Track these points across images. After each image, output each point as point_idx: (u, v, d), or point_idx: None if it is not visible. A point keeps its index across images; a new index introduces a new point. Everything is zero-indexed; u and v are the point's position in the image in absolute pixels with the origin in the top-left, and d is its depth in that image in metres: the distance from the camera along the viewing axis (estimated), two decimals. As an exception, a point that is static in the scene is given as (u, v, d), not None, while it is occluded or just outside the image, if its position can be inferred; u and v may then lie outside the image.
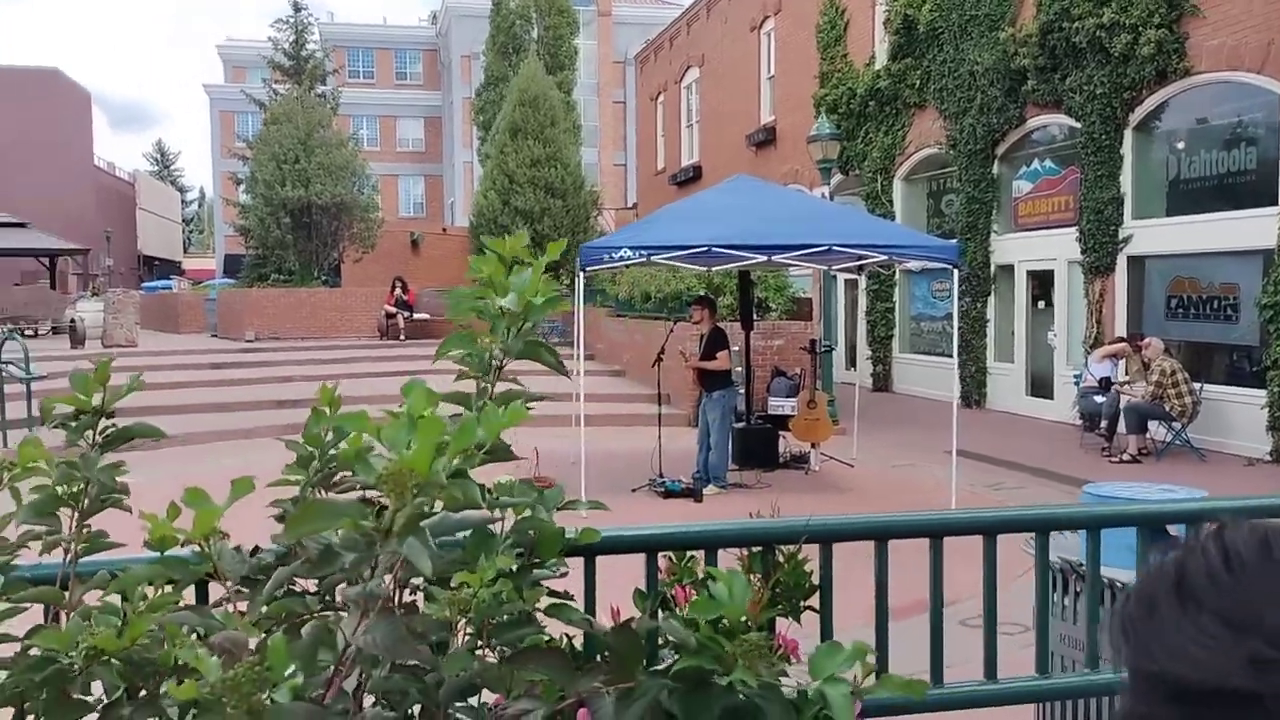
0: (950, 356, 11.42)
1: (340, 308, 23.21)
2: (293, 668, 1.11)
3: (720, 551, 2.50)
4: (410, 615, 1.47)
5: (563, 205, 26.03)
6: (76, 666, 1.39)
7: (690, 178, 26.50)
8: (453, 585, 1.39)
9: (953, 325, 11.53)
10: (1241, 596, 0.60)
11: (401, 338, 22.05)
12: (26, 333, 20.69)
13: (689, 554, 2.43)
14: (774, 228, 9.25)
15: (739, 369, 11.15)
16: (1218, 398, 11.24)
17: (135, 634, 1.34)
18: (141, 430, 1.73)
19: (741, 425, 11.01)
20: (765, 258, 9.60)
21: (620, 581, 2.35)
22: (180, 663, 1.32)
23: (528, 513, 1.70)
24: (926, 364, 16.91)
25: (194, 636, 1.43)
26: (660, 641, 1.64)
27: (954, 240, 11.82)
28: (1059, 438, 12.47)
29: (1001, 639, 2.75)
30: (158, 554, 1.47)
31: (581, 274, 9.21)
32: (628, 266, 10.97)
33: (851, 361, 18.53)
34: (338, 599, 1.46)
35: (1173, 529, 3.01)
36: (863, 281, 17.57)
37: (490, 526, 1.51)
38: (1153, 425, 11.07)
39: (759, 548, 2.44)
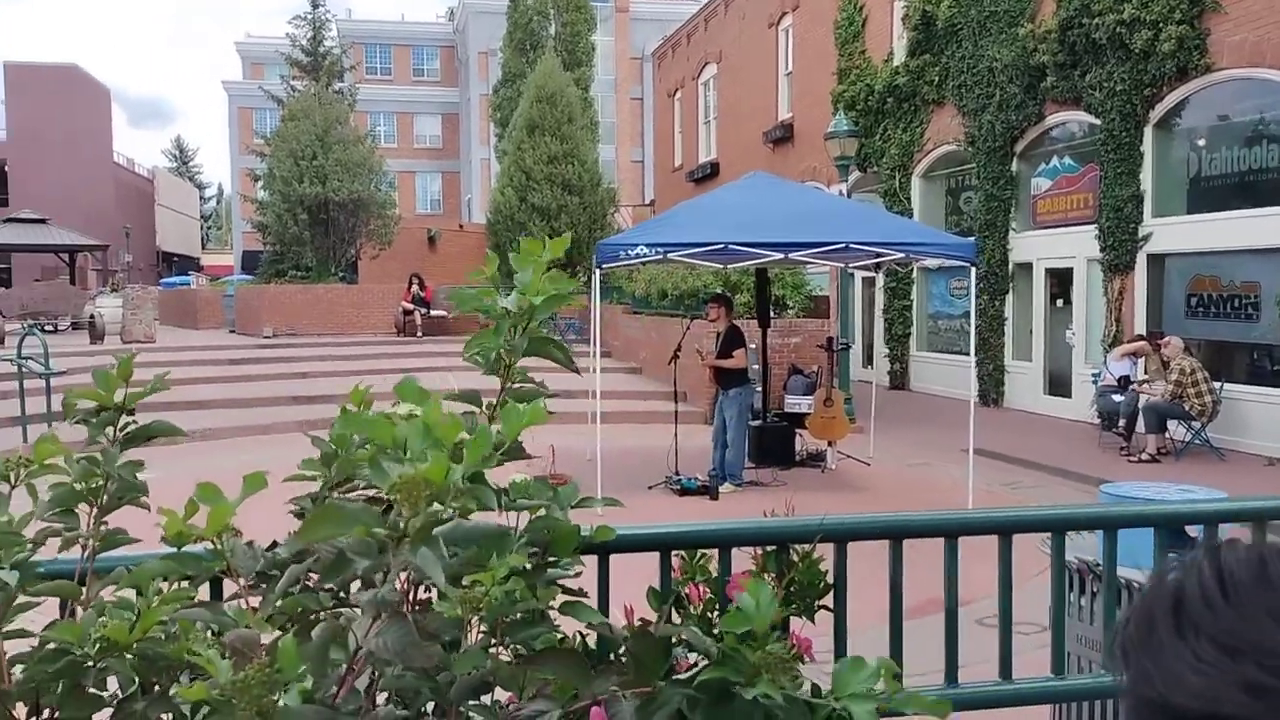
0: (968, 355, 11.37)
1: (357, 304, 23.29)
2: (303, 669, 1.11)
3: (735, 550, 2.50)
4: (423, 613, 1.47)
5: (580, 202, 26.03)
6: (90, 660, 1.40)
7: (707, 174, 26.47)
8: (465, 583, 1.39)
9: (970, 323, 11.47)
10: (1236, 621, 0.59)
11: (418, 334, 22.10)
12: (46, 328, 20.87)
13: (702, 552, 2.42)
14: (791, 225, 9.23)
15: (756, 367, 11.13)
16: (1238, 397, 11.14)
17: (147, 626, 1.35)
18: (162, 428, 1.74)
19: (758, 423, 10.99)
20: (782, 255, 9.58)
21: (634, 579, 2.35)
22: (193, 658, 1.33)
23: (542, 512, 1.70)
24: (944, 362, 16.84)
25: (207, 633, 1.44)
26: (674, 640, 1.64)
27: (972, 238, 11.75)
28: (1077, 437, 12.40)
29: (1017, 639, 2.74)
30: (174, 550, 1.48)
31: (598, 271, 9.21)
32: (644, 264, 10.97)
33: (869, 359, 18.47)
34: (352, 594, 1.47)
35: (1191, 530, 2.99)
36: (880, 279, 17.50)
37: (503, 525, 1.51)
38: (1172, 424, 10.99)
39: (774, 547, 2.43)
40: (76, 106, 44.48)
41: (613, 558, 2.44)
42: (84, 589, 1.57)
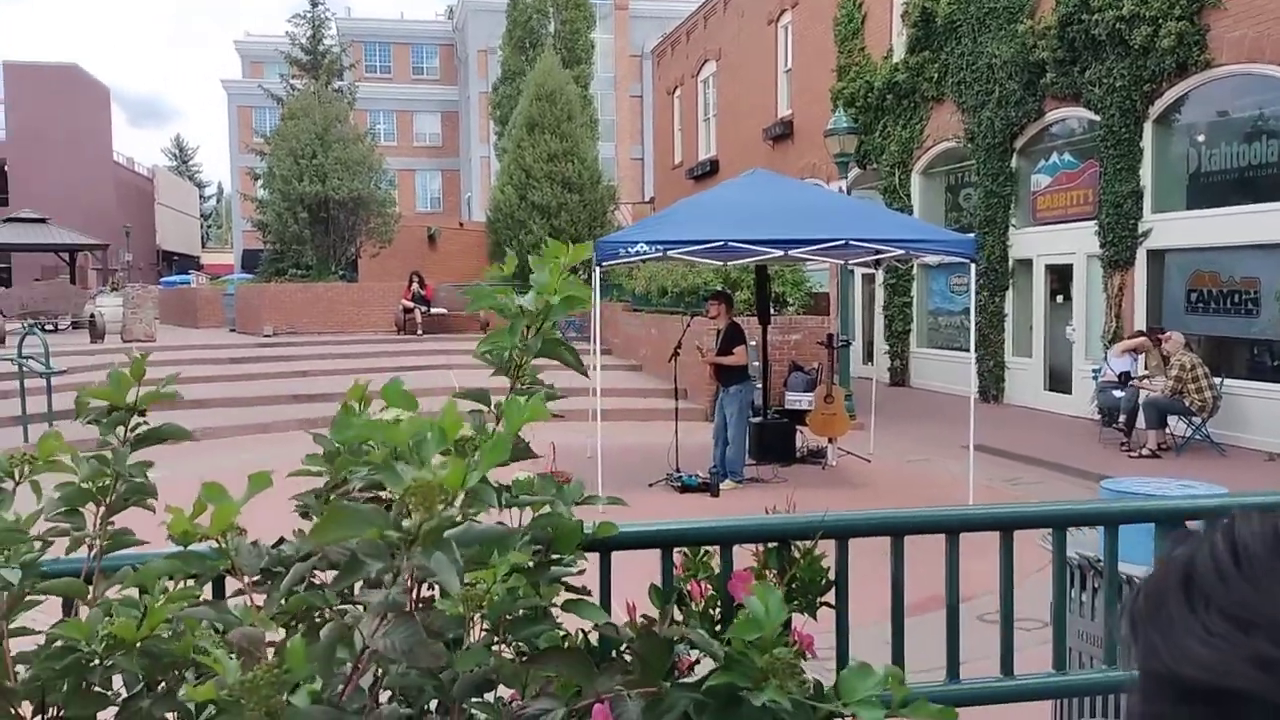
0: (968, 351, 11.37)
1: (357, 302, 23.29)
2: (311, 669, 1.11)
3: (736, 547, 2.51)
4: (427, 612, 1.48)
5: (580, 200, 26.03)
6: (97, 657, 1.40)
7: (707, 172, 26.46)
8: (467, 581, 1.40)
9: (970, 320, 11.48)
10: (1249, 593, 0.58)
11: (419, 332, 22.10)
12: (47, 328, 20.87)
13: (703, 549, 2.43)
14: (791, 222, 9.23)
15: (756, 364, 11.14)
16: (1238, 392, 11.15)
17: (154, 623, 1.35)
18: (173, 431, 1.74)
19: (758, 420, 11.00)
20: (782, 252, 9.58)
21: (636, 576, 2.36)
22: (200, 657, 1.33)
23: (546, 509, 1.71)
24: (944, 359, 16.84)
25: (212, 631, 1.45)
26: (678, 638, 1.65)
27: (972, 234, 11.75)
28: (1077, 433, 12.40)
29: (1019, 635, 2.74)
30: (179, 549, 1.49)
31: (598, 269, 9.21)
32: (644, 261, 10.97)
33: (869, 356, 18.47)
34: (357, 593, 1.48)
35: (1192, 525, 2.99)
36: (880, 276, 17.49)
37: (508, 526, 1.52)
38: (1172, 420, 10.99)
39: (775, 543, 2.44)
40: (76, 106, 44.46)
41: (614, 555, 2.44)
42: (90, 588, 1.58)
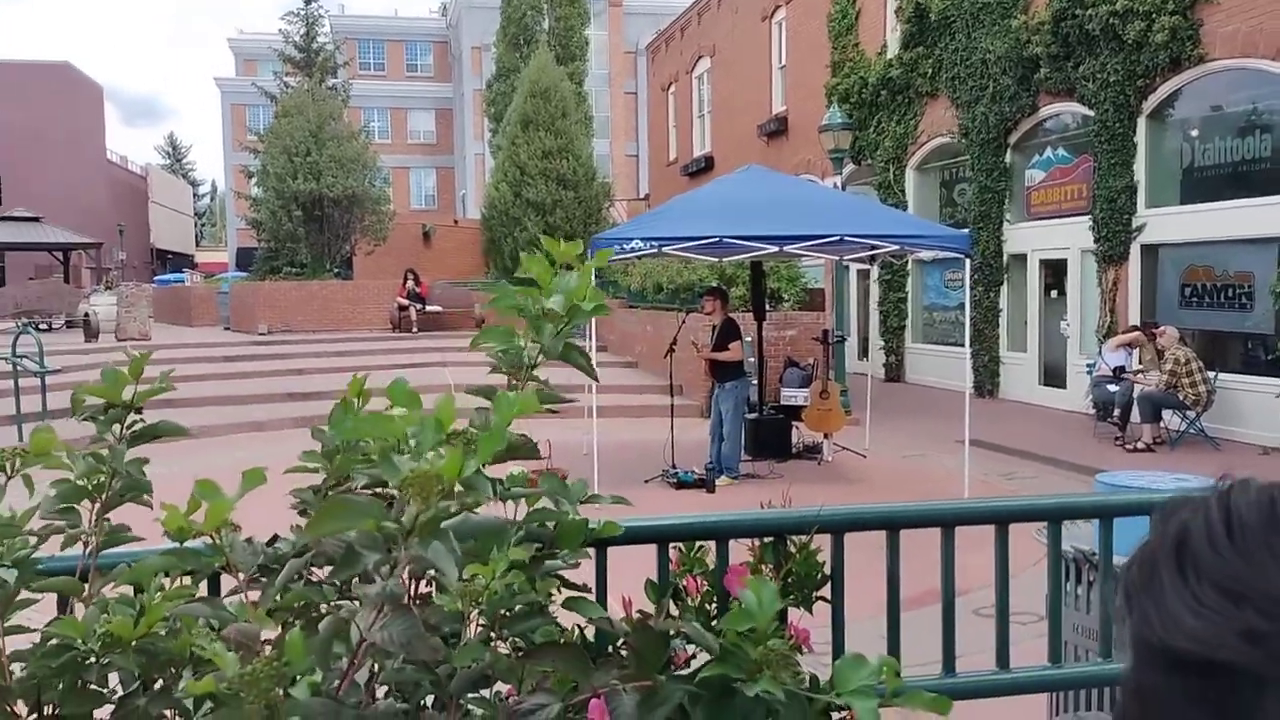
0: (963, 346, 11.39)
1: (352, 300, 23.26)
2: (309, 663, 1.11)
3: (732, 542, 2.51)
4: (424, 607, 1.48)
5: (574, 197, 26.02)
6: (93, 655, 1.40)
7: (702, 168, 26.46)
8: (464, 577, 1.40)
9: (965, 315, 11.51)
10: (1241, 565, 0.57)
11: (414, 330, 22.08)
12: (41, 327, 20.83)
13: (699, 544, 2.43)
14: (786, 218, 9.23)
15: (751, 359, 11.14)
16: (1232, 386, 11.18)
17: (151, 622, 1.35)
18: (168, 428, 1.74)
19: (754, 416, 11.01)
20: (777, 248, 9.59)
21: (632, 570, 2.36)
22: (195, 653, 1.33)
23: (542, 504, 1.71)
24: (939, 354, 16.87)
25: (208, 628, 1.45)
26: (672, 632, 1.65)
27: (966, 230, 11.78)
28: (1072, 427, 12.43)
29: (1014, 628, 2.75)
30: (175, 546, 1.49)
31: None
32: (639, 258, 10.97)
33: (864, 352, 18.49)
34: (354, 587, 1.48)
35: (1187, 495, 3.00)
36: (875, 271, 17.52)
37: (503, 518, 1.52)
38: (1167, 414, 11.02)
39: (770, 538, 2.44)
40: (69, 104, 44.34)
41: (611, 550, 2.45)
42: (86, 585, 1.58)
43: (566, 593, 1.69)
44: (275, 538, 1.71)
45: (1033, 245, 14.91)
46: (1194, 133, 12.26)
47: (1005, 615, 2.68)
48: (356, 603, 1.39)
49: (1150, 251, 12.76)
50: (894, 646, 2.53)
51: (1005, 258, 15.35)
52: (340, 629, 1.15)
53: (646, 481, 9.51)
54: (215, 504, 1.30)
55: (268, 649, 1.18)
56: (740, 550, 2.49)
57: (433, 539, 1.08)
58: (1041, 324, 14.89)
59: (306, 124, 25.77)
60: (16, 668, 1.46)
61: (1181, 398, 10.72)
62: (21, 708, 1.46)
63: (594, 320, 10.24)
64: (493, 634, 1.60)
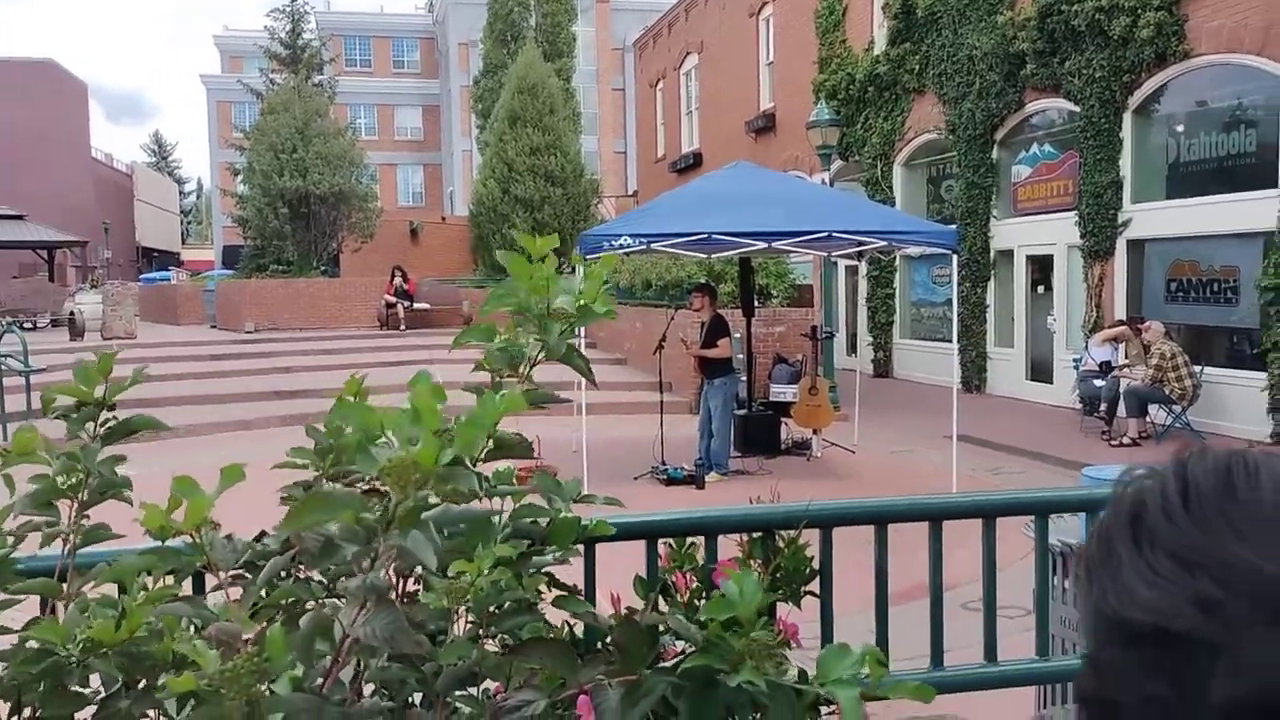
0: (950, 342, 11.42)
1: (339, 298, 23.18)
2: (291, 659, 1.10)
3: (721, 537, 2.51)
4: (411, 605, 1.47)
5: (563, 193, 26.00)
6: (74, 659, 1.39)
7: (690, 165, 26.45)
8: (450, 574, 1.39)
9: (953, 311, 11.53)
10: (1196, 534, 0.57)
11: (402, 328, 22.02)
12: (25, 325, 20.69)
13: (689, 540, 2.43)
14: (774, 214, 9.23)
15: (740, 356, 11.15)
16: (1218, 380, 11.23)
17: (134, 626, 1.34)
18: (143, 422, 1.72)
19: (743, 412, 11.01)
20: (765, 244, 9.59)
21: (620, 567, 2.36)
22: (178, 655, 1.32)
23: (531, 500, 1.70)
24: (927, 349, 16.91)
25: (191, 629, 1.43)
26: (661, 628, 1.65)
27: (953, 226, 11.81)
28: (1059, 422, 12.48)
29: (1002, 622, 2.76)
30: (153, 545, 1.47)
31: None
32: (628, 254, 10.95)
33: (852, 348, 18.52)
34: (340, 584, 1.46)
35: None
36: (863, 268, 17.55)
37: (489, 509, 1.51)
38: (1153, 408, 11.07)
39: (759, 533, 2.44)
40: (53, 102, 44.03)
41: (600, 546, 2.44)
42: (64, 585, 1.56)
43: (555, 591, 1.69)
44: (262, 534, 1.69)
45: (1019, 241, 14.96)
46: (1179, 128, 12.31)
47: (993, 609, 2.68)
48: (343, 601, 1.38)
49: (1136, 247, 12.81)
50: (882, 640, 2.53)
51: (992, 254, 15.40)
52: (323, 625, 1.14)
53: (636, 478, 9.50)
54: (194, 501, 1.28)
55: (251, 647, 1.17)
56: (730, 546, 2.49)
57: (412, 528, 1.07)
58: (1028, 319, 14.94)
59: (293, 121, 25.67)
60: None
61: (1167, 392, 10.77)
62: (2, 709, 1.44)
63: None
64: (481, 631, 1.59)
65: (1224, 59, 11.36)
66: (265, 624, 1.33)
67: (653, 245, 9.47)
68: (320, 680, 1.17)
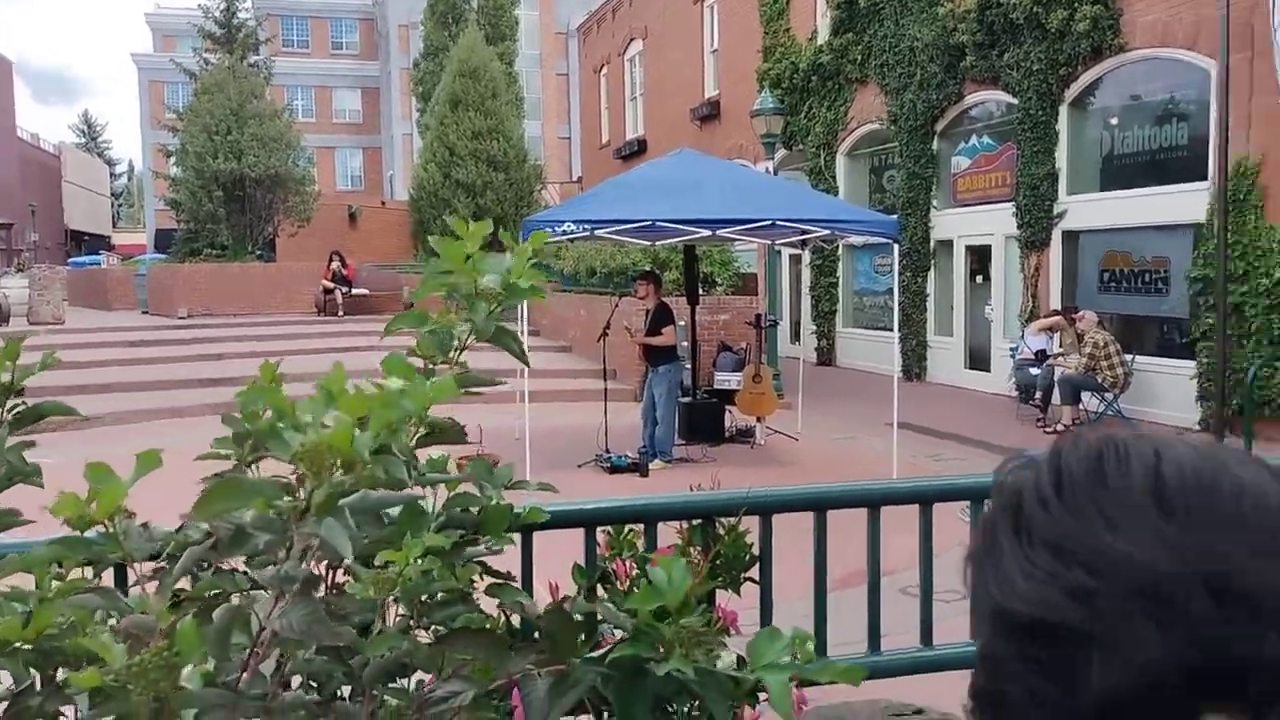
0: (892, 330, 11.54)
1: (276, 283, 22.75)
2: (203, 652, 1.05)
3: (660, 525, 2.48)
4: (338, 596, 1.42)
5: (505, 178, 25.78)
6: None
7: (635, 151, 26.38)
8: (378, 564, 1.34)
9: (894, 300, 11.65)
10: (1070, 521, 0.57)
11: (340, 314, 21.69)
12: (-53, 310, 19.96)
13: (629, 528, 2.40)
14: (718, 202, 9.23)
15: (685, 344, 11.15)
16: (1149, 369, 11.51)
17: (41, 626, 1.27)
18: (53, 408, 1.65)
19: (687, 400, 11.02)
20: (710, 232, 9.59)
21: (562, 555, 2.32)
22: (88, 642, 1.26)
23: (464, 488, 1.65)
24: (869, 338, 17.09)
25: (107, 622, 1.37)
26: (600, 616, 1.62)
27: (895, 216, 11.92)
28: (996, 409, 12.69)
29: (938, 606, 2.78)
30: (65, 535, 1.40)
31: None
32: (572, 241, 10.89)
33: (796, 336, 18.66)
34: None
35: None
36: (806, 256, 17.66)
37: (421, 503, 1.46)
38: (1086, 396, 11.31)
39: (699, 521, 2.42)
40: (-25, 79, 42.54)
41: (540, 536, 2.41)
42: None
43: (489, 581, 1.65)
44: (183, 526, 1.63)
45: (959, 231, 15.16)
46: (1113, 121, 12.56)
47: (929, 594, 2.70)
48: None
49: (1071, 238, 13.05)
50: (820, 625, 2.53)
51: (932, 243, 15.59)
52: (239, 617, 1.09)
53: (580, 466, 9.47)
54: (107, 489, 1.22)
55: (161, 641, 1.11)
56: (670, 534, 2.47)
57: (327, 515, 1.02)
58: (967, 309, 15.17)
59: (227, 102, 25.11)
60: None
61: (1100, 380, 11.01)
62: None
63: (526, 304, 10.14)
64: (412, 622, 1.55)
65: (1157, 53, 11.59)
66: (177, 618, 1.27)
67: (597, 232, 9.42)
68: (238, 674, 1.12)
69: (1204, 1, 10.77)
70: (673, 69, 24.25)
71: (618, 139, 28.45)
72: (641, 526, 2.42)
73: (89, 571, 1.58)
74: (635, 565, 2.29)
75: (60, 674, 1.40)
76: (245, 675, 1.12)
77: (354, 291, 22.48)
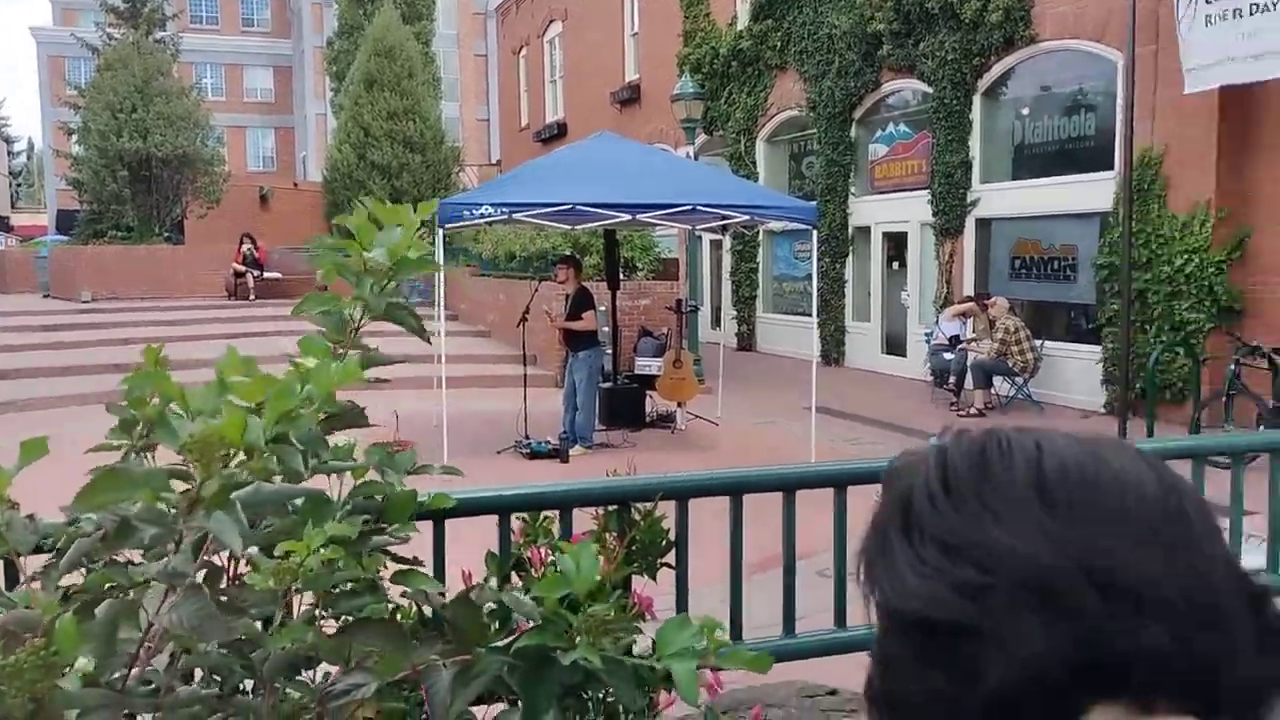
0: (811, 316, 11.68)
1: (184, 266, 22.07)
2: (85, 650, 0.99)
3: (576, 511, 2.46)
4: (238, 588, 1.36)
5: (422, 161, 25.35)
6: None
7: (555, 134, 26.19)
8: (278, 554, 1.29)
9: (813, 286, 11.79)
10: (956, 518, 0.57)
11: (251, 297, 21.16)
12: None
13: (545, 514, 2.37)
14: (638, 187, 9.21)
15: (605, 329, 11.12)
16: (1057, 354, 11.86)
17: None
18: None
19: (608, 385, 11.01)
20: (630, 217, 9.56)
21: (478, 543, 2.29)
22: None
23: (370, 476, 1.61)
24: (789, 323, 17.27)
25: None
26: (494, 605, 1.59)
27: (814, 202, 12.04)
28: (912, 393, 12.95)
29: (852, 587, 2.80)
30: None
31: (441, 231, 8.97)
32: (490, 224, 10.76)
33: (716, 321, 18.76)
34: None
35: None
36: (727, 242, 17.75)
37: (319, 490, 1.41)
38: (997, 380, 11.62)
39: (615, 506, 2.40)
40: None
41: (456, 525, 2.36)
42: None
43: (396, 568, 1.61)
44: (75, 520, 1.55)
45: (876, 218, 15.39)
46: (1025, 111, 12.86)
47: (843, 576, 2.73)
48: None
49: (984, 225, 13.35)
50: (736, 610, 2.54)
51: (850, 230, 15.80)
52: (126, 612, 1.03)
53: (499, 452, 9.39)
54: (-16, 479, 1.15)
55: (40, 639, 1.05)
56: (586, 520, 2.44)
57: (217, 509, 0.98)
58: (884, 295, 15.42)
59: (132, 79, 24.20)
60: None
61: (1011, 365, 11.31)
62: None
63: (444, 288, 9.99)
64: (318, 613, 1.50)
65: (1067, 44, 11.89)
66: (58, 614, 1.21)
67: (515, 215, 9.32)
68: (125, 671, 1.07)
69: (1110, -4, 11.07)
70: (592, 52, 24.10)
71: (537, 122, 28.21)
72: (557, 513, 2.39)
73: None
74: (551, 552, 2.27)
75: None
76: (134, 671, 1.06)
77: (266, 275, 21.94)
